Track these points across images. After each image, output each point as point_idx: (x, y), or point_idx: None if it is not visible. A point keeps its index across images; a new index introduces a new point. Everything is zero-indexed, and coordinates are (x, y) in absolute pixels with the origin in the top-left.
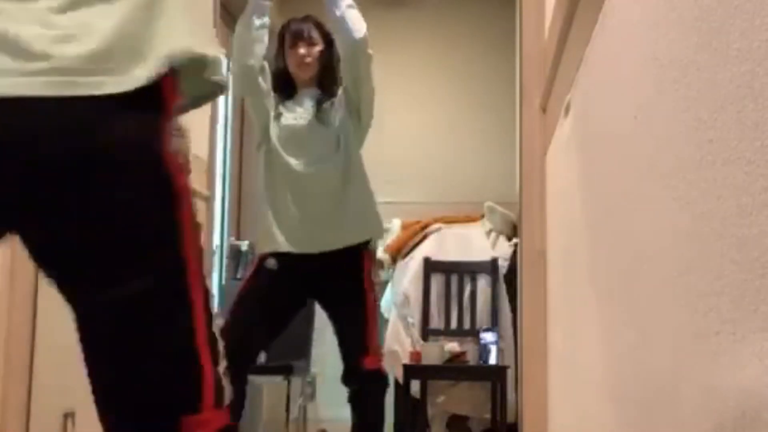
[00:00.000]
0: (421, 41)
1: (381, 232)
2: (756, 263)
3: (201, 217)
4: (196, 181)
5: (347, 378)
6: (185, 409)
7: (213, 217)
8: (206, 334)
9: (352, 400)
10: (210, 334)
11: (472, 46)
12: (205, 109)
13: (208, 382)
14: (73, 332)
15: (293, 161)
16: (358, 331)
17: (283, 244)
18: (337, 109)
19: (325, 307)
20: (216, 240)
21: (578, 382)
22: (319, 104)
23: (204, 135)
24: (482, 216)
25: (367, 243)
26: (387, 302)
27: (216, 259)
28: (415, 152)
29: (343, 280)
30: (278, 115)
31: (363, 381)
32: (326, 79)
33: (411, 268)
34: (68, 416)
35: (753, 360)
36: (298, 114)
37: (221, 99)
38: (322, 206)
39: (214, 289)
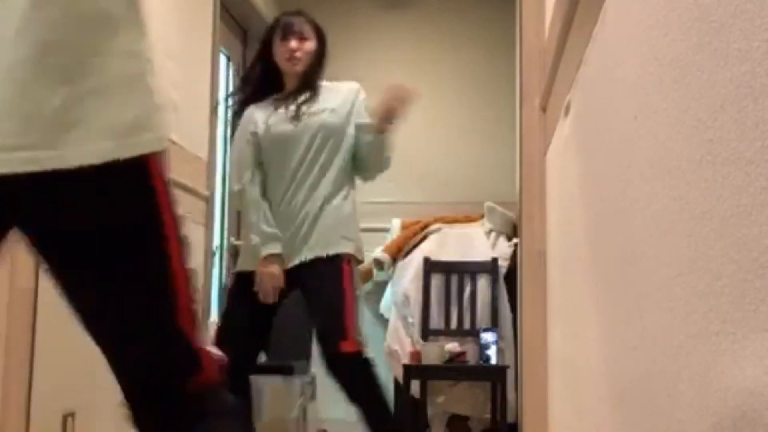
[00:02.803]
0: (421, 41)
1: (359, 253)
2: (756, 263)
3: (201, 217)
4: (196, 181)
5: (329, 366)
6: (191, 369)
7: (213, 217)
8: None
9: (345, 392)
10: (193, 305)
11: (472, 46)
12: (205, 110)
13: (204, 356)
14: (72, 332)
15: (277, 170)
16: (335, 318)
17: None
18: (337, 125)
19: (305, 298)
20: (216, 240)
21: (578, 382)
22: (302, 105)
23: (204, 135)
24: (482, 216)
25: (345, 254)
26: (387, 302)
27: (216, 259)
28: (416, 152)
29: (321, 276)
30: (268, 127)
31: (343, 365)
32: (314, 79)
33: (411, 268)
34: (68, 416)
35: (753, 360)
36: (284, 117)
37: (221, 98)
38: (300, 222)
39: (214, 289)
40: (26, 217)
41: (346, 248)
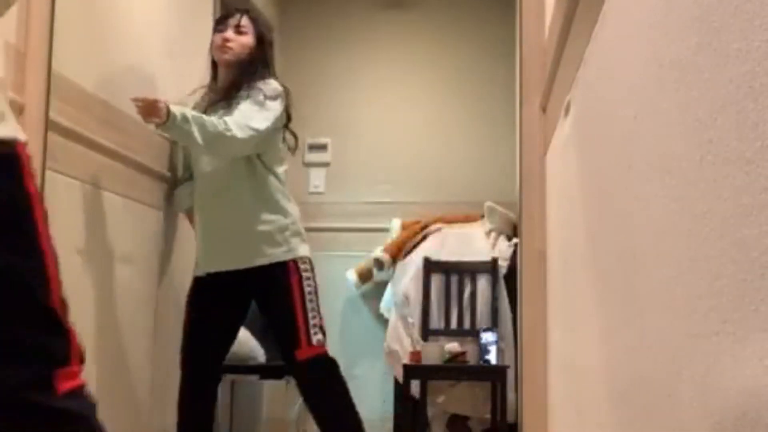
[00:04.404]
0: (421, 41)
1: (302, 252)
2: (756, 263)
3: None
4: None
5: (291, 372)
6: (58, 361)
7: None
8: (60, 296)
9: (302, 395)
10: (62, 296)
11: (472, 46)
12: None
13: (71, 335)
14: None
15: (203, 168)
16: (287, 328)
17: (200, 266)
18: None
19: (258, 307)
20: None
21: (578, 382)
22: (226, 98)
23: None
24: (482, 216)
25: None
26: (387, 302)
27: None
28: (416, 152)
29: (265, 288)
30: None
31: (301, 372)
32: (245, 78)
33: (411, 268)
34: None
35: (753, 360)
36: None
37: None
38: (226, 222)
39: None
40: None
41: (273, 257)
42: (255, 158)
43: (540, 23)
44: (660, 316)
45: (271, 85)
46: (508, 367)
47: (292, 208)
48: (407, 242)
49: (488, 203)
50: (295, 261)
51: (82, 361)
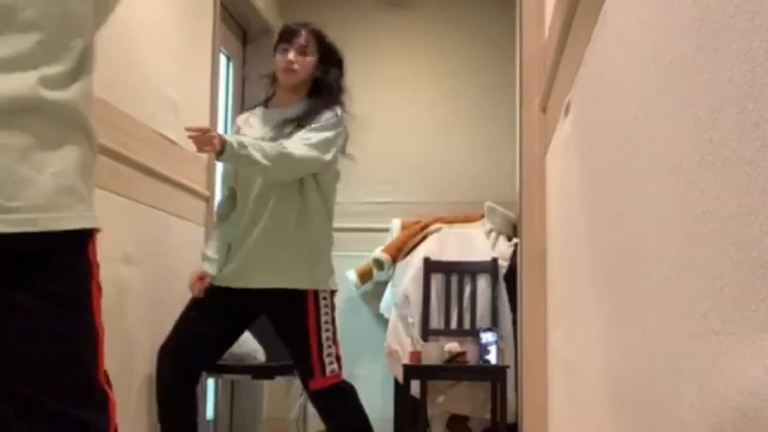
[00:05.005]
0: (422, 41)
1: (325, 285)
2: (756, 263)
3: (201, 217)
4: (196, 180)
5: (307, 395)
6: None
7: (213, 217)
8: (104, 370)
9: (321, 419)
10: (105, 369)
11: (472, 46)
12: (205, 110)
13: (112, 410)
14: None
15: (243, 187)
16: (302, 357)
17: (215, 278)
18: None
19: (273, 328)
20: None
21: (578, 381)
22: (286, 125)
23: None
24: (482, 216)
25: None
26: (387, 302)
27: None
28: (416, 152)
29: (281, 312)
30: (237, 130)
31: (315, 401)
32: (315, 100)
33: (411, 268)
34: None
35: (753, 360)
36: (258, 130)
37: (221, 98)
38: (262, 243)
39: None
40: None
41: (303, 283)
42: (308, 178)
43: (540, 23)
44: (660, 316)
45: (326, 115)
46: (508, 367)
47: (331, 237)
48: (407, 242)
49: (488, 203)
50: (316, 292)
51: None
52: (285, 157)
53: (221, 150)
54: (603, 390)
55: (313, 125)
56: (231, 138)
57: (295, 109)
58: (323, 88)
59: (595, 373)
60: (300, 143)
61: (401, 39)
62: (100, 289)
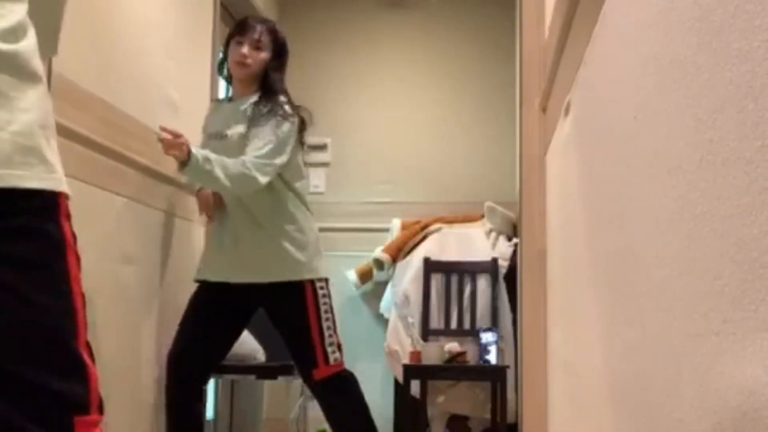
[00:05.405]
0: (422, 41)
1: (320, 273)
2: (756, 263)
3: (201, 217)
4: None
5: (310, 390)
6: (77, 409)
7: None
8: (85, 339)
9: (323, 412)
10: (87, 339)
11: (472, 46)
12: (205, 109)
13: (93, 382)
14: None
15: None
16: (303, 348)
17: (206, 273)
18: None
19: (271, 321)
20: None
21: (578, 381)
22: (253, 116)
23: None
24: (482, 216)
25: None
26: (387, 302)
27: None
28: (416, 152)
29: (279, 305)
30: (205, 126)
31: (319, 391)
32: (266, 90)
33: (411, 268)
34: None
35: (753, 360)
36: (215, 123)
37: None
38: (244, 236)
39: None
40: None
41: (290, 275)
42: (276, 179)
43: (540, 23)
44: (660, 316)
45: (273, 121)
46: (508, 367)
47: (312, 225)
48: (407, 242)
49: (488, 203)
50: (312, 281)
51: (101, 411)
52: (245, 178)
53: (186, 160)
54: (603, 390)
55: (261, 125)
56: (199, 152)
57: (245, 103)
58: (274, 84)
59: (595, 373)
60: (258, 161)
61: (401, 39)
62: (78, 259)
